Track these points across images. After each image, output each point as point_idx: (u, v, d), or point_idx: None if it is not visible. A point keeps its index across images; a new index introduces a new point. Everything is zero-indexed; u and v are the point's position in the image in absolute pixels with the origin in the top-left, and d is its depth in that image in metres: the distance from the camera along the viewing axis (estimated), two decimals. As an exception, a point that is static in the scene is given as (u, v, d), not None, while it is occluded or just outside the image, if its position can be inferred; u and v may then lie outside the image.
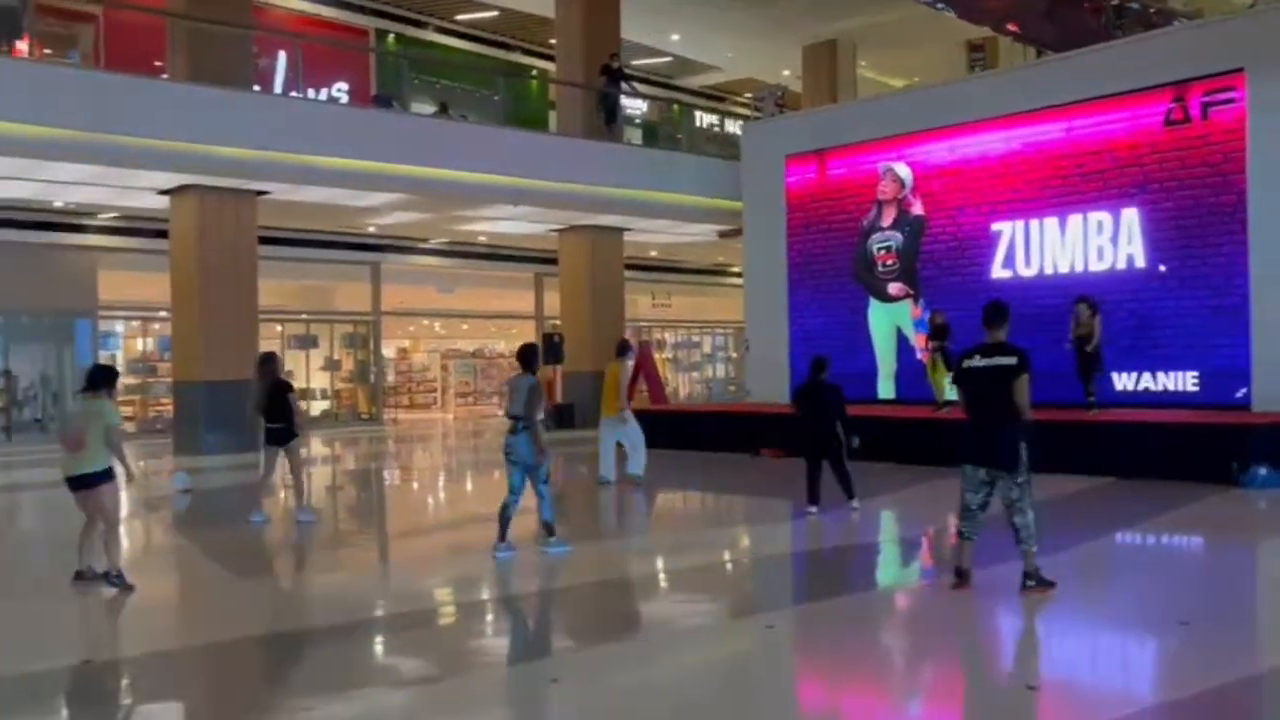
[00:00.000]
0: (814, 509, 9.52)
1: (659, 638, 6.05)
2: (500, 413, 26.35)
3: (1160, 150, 13.72)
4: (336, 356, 23.43)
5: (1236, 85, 13.00)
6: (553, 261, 21.84)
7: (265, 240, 17.49)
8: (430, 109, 19.92)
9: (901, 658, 5.73)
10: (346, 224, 20.86)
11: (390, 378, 25.60)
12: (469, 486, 14.04)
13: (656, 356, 23.99)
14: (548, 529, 8.02)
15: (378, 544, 9.71)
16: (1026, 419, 6.32)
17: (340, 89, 21.14)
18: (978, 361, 6.46)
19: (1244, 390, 12.84)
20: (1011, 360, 6.34)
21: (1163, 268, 13.68)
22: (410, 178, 16.98)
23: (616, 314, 20.51)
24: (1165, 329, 13.61)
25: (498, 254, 24.15)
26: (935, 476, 11.51)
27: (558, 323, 21.60)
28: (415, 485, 14.14)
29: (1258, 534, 9.19)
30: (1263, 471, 10.69)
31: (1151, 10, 17.20)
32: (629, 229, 20.72)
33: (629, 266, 21.78)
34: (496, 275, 24.98)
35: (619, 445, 11.89)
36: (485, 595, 7.22)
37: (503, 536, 7.89)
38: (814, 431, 9.66)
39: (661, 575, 7.95)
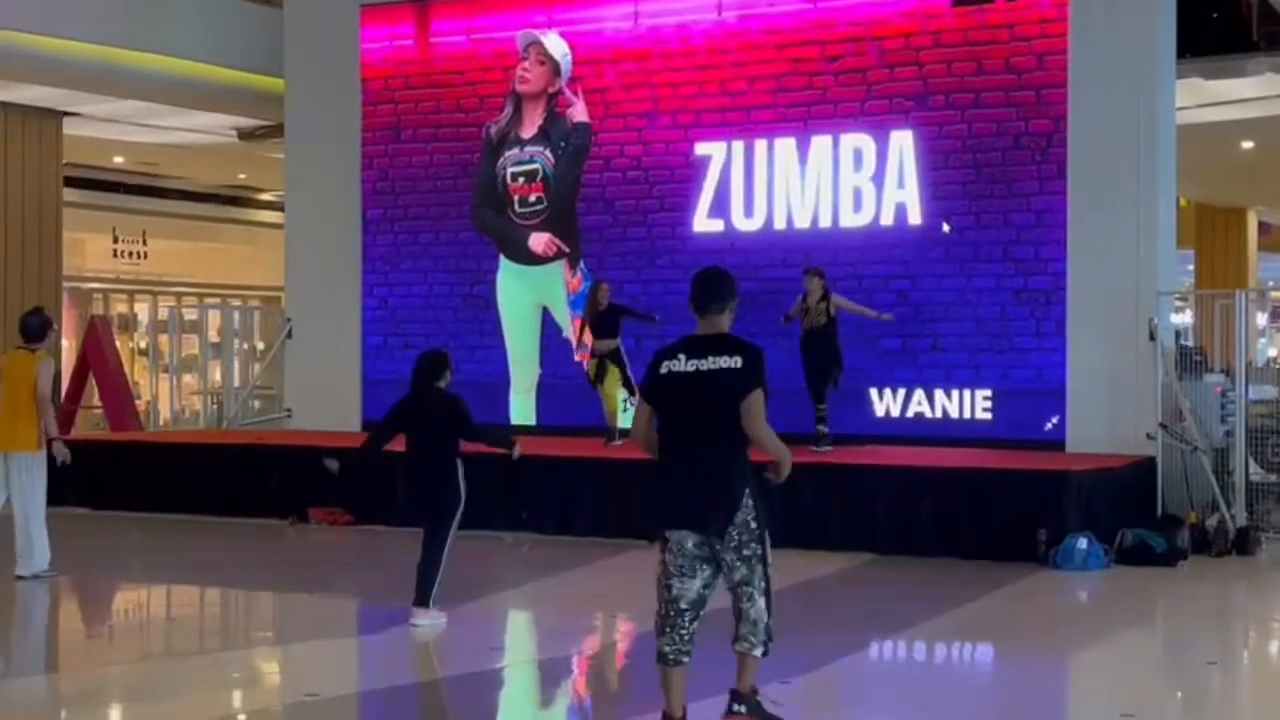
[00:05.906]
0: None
1: None
2: None
3: (947, 44, 14.91)
4: None
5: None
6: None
7: None
8: None
9: None
10: None
11: None
12: None
13: (120, 344, 23.06)
14: None
15: None
16: (782, 456, 6.57)
17: None
18: (682, 364, 6.56)
19: (1056, 419, 14.24)
20: (735, 362, 6.50)
21: (946, 227, 14.88)
22: None
23: (46, 265, 19.87)
24: (948, 321, 14.81)
25: None
26: (578, 554, 12.00)
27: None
28: None
29: (1080, 645, 9.99)
30: (1082, 544, 11.82)
31: None
32: (73, 112, 20.10)
33: (72, 182, 21.18)
34: None
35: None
36: None
37: None
38: (423, 476, 9.71)
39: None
